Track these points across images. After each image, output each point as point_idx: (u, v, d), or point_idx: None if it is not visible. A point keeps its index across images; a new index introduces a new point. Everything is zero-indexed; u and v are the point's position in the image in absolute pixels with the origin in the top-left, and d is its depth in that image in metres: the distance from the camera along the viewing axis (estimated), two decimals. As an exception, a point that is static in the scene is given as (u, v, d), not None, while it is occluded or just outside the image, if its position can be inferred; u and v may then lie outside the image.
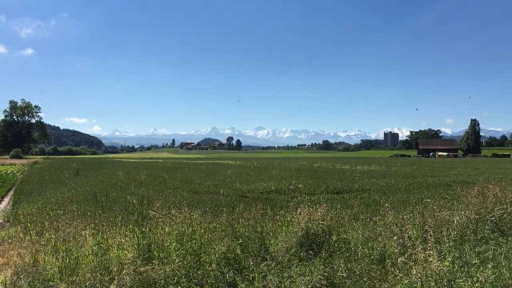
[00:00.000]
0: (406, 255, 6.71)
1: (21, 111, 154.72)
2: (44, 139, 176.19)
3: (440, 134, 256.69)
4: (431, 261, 6.05)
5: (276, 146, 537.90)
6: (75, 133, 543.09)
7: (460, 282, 5.21)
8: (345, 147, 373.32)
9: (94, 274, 6.05)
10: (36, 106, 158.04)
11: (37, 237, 8.94)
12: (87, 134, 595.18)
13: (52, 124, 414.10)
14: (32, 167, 60.03)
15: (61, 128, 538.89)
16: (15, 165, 73.65)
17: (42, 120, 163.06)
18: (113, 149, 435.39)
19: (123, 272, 5.99)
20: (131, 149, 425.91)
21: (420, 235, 7.71)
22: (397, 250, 7.05)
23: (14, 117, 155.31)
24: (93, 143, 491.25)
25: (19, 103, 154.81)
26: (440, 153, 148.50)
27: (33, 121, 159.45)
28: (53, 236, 8.53)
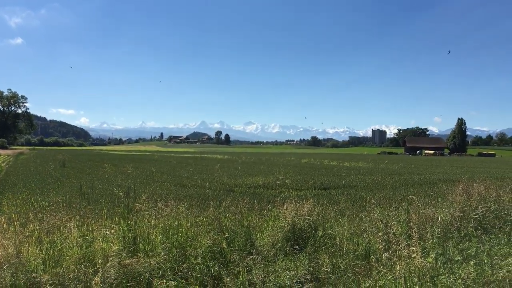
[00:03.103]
0: (390, 251, 6.77)
1: (7, 101, 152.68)
2: (30, 130, 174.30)
3: (427, 133, 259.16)
4: (414, 257, 6.12)
5: (264, 141, 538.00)
6: (62, 124, 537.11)
7: (442, 279, 5.27)
8: (333, 143, 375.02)
9: (78, 266, 6.00)
10: (22, 96, 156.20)
11: (21, 228, 8.83)
12: (74, 126, 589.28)
13: (38, 115, 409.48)
14: (18, 158, 59.33)
15: (48, 119, 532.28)
16: (0, 155, 72.79)
17: (28, 111, 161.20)
18: (100, 141, 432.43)
19: (108, 264, 5.96)
20: (119, 142, 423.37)
21: (405, 231, 7.78)
22: (381, 246, 7.11)
23: (0, 107, 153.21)
24: (80, 134, 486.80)
25: (5, 93, 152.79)
26: (426, 151, 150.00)
27: (19, 111, 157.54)
28: (38, 228, 8.45)
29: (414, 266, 5.81)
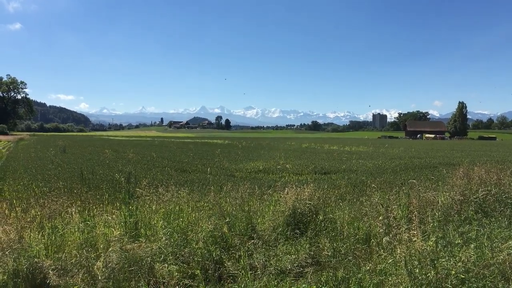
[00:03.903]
0: (391, 235, 6.79)
1: (7, 87, 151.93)
2: (30, 116, 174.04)
3: (428, 116, 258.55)
4: (415, 240, 6.14)
5: (265, 126, 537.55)
6: (62, 110, 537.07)
7: (443, 262, 5.29)
8: (334, 128, 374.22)
9: (80, 251, 6.03)
10: (22, 82, 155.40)
11: (22, 214, 8.88)
12: (74, 111, 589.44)
13: (38, 101, 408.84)
14: (18, 143, 59.36)
15: (48, 105, 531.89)
16: (0, 141, 72.75)
17: (28, 96, 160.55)
18: (100, 127, 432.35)
19: (110, 249, 5.98)
20: (119, 127, 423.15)
21: (405, 215, 7.80)
22: (382, 230, 7.13)
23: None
24: (80, 120, 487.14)
25: (5, 79, 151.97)
26: (427, 135, 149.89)
27: (19, 97, 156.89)
28: (39, 213, 8.48)
29: (415, 249, 5.83)
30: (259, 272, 5.89)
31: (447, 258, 5.44)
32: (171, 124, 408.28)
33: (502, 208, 8.46)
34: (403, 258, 5.57)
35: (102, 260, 5.80)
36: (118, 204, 9.77)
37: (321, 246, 6.70)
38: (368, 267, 5.73)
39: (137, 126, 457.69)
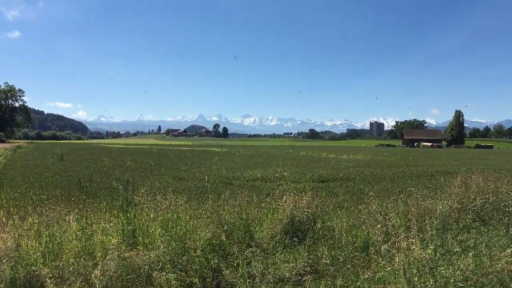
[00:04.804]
0: (389, 243, 6.79)
1: (4, 95, 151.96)
2: (28, 123, 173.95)
3: (425, 125, 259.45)
4: (413, 249, 6.14)
5: (262, 134, 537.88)
6: (60, 118, 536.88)
7: (441, 270, 5.29)
8: (331, 136, 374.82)
9: (77, 259, 6.00)
10: (19, 90, 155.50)
11: (20, 222, 8.82)
12: (71, 119, 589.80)
13: (36, 108, 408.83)
14: (16, 151, 59.16)
15: (45, 113, 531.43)
16: (-3, 149, 72.50)
17: (26, 104, 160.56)
18: (98, 135, 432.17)
19: (107, 257, 5.96)
20: (117, 135, 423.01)
21: (403, 223, 7.80)
22: (380, 238, 7.13)
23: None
24: (78, 128, 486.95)
25: (3, 87, 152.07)
26: (424, 143, 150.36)
27: (17, 105, 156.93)
28: (36, 221, 8.43)
29: (413, 257, 5.83)
30: (257, 281, 5.87)
31: (445, 266, 5.44)
32: (169, 132, 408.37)
33: (500, 216, 8.46)
34: (402, 266, 5.56)
35: (99, 268, 5.78)
36: (115, 212, 9.73)
37: (319, 254, 6.69)
38: (366, 275, 5.73)
39: (135, 134, 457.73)
